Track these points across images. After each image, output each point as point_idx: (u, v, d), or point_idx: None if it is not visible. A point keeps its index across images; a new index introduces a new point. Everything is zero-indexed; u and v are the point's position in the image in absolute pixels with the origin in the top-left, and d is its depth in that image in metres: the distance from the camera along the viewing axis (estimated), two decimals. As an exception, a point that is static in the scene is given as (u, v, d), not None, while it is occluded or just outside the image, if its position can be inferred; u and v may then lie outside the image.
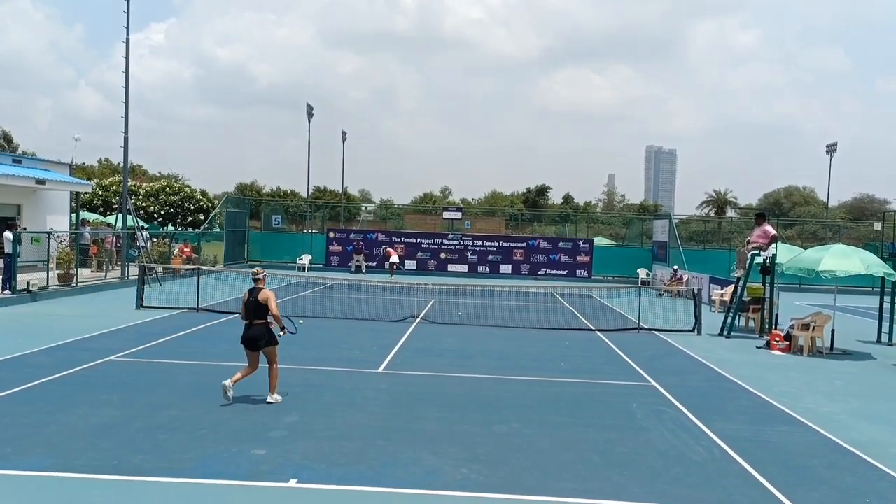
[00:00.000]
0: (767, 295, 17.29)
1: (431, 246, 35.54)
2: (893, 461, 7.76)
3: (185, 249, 29.66)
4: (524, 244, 36.24)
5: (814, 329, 14.91)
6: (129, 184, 31.78)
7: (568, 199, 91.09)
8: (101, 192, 35.02)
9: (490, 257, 35.85)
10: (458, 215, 39.55)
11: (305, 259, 35.17)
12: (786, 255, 16.97)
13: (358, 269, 33.72)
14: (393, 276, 31.00)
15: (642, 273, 33.46)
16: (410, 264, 35.02)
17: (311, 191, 74.32)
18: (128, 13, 23.13)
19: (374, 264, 34.90)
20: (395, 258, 32.60)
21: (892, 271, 14.49)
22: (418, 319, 17.60)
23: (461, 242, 36.08)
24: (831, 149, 53.54)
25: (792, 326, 15.31)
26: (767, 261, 16.61)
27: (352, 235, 36.95)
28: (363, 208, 59.90)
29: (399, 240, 36.43)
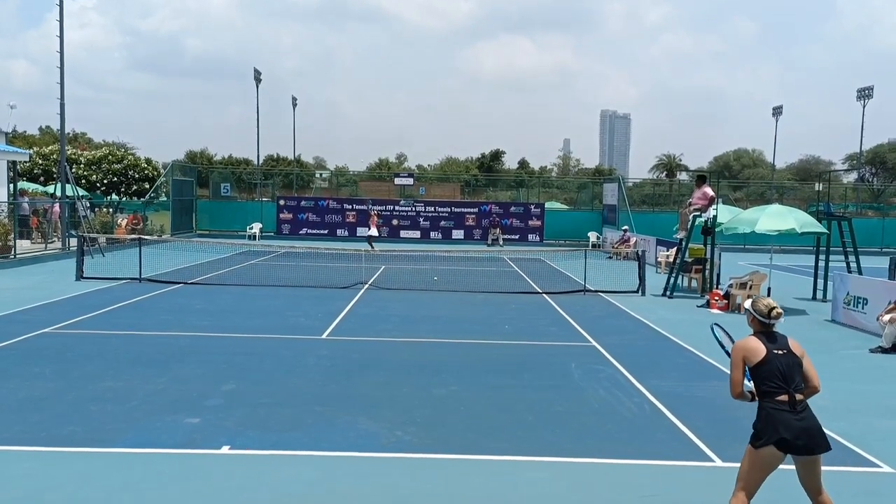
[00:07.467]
0: (708, 255, 17.68)
1: (383, 213, 35.34)
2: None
3: (132, 220, 29.02)
4: (476, 209, 36.34)
5: (751, 287, 15.33)
6: (70, 152, 30.87)
7: (523, 163, 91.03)
8: (40, 161, 33.87)
9: (442, 223, 35.88)
10: (410, 181, 39.43)
11: (256, 227, 34.72)
12: (727, 216, 17.34)
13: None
14: (374, 248, 26.63)
15: (592, 236, 33.89)
16: (361, 230, 34.81)
17: (264, 159, 73.24)
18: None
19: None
20: (374, 230, 28.87)
21: (823, 230, 14.92)
22: (367, 286, 17.58)
23: (413, 209, 36.00)
24: (777, 111, 54.59)
25: (731, 285, 15.71)
26: (709, 222, 16.95)
27: (303, 203, 36.61)
28: (317, 175, 59.11)
29: (351, 206, 36.23)
